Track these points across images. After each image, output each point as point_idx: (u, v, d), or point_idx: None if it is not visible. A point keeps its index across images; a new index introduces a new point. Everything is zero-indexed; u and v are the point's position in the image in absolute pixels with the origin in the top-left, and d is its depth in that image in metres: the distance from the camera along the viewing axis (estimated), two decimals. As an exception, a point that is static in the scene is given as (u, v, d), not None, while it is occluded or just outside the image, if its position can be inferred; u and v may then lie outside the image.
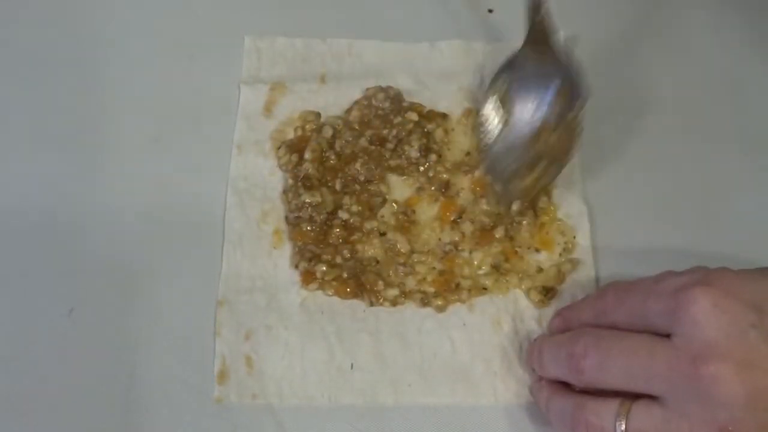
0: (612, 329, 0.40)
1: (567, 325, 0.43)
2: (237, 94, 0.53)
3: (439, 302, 0.46)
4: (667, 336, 0.37)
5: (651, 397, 0.37)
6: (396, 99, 0.52)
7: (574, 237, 0.48)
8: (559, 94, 0.47)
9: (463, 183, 0.50)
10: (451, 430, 0.43)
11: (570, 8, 0.56)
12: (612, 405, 0.38)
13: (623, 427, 0.37)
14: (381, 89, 0.52)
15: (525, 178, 0.48)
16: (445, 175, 0.50)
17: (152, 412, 0.43)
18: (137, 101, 0.52)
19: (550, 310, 0.46)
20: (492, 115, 0.48)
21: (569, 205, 0.49)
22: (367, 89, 0.52)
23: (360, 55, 0.54)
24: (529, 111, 0.47)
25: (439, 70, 0.54)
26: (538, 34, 0.49)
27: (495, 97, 0.49)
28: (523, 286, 0.47)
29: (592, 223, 0.49)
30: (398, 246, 0.48)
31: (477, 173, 0.50)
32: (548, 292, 0.46)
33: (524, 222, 0.48)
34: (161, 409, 0.43)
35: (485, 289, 0.47)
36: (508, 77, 0.49)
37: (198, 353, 0.45)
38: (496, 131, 0.48)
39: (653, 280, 0.40)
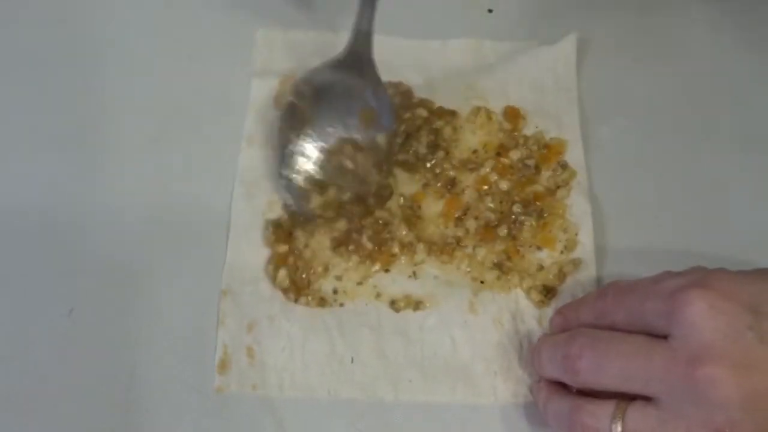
0: (611, 329, 0.40)
1: (567, 324, 0.43)
2: (240, 90, 0.52)
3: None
4: (665, 337, 0.37)
5: (647, 399, 0.37)
6: (406, 95, 0.52)
7: (576, 234, 0.48)
8: (363, 118, 0.48)
9: (469, 180, 0.50)
10: (450, 429, 0.43)
11: (570, 9, 0.56)
12: (608, 406, 0.38)
13: (619, 428, 0.37)
14: (392, 84, 0.52)
15: (323, 191, 0.48)
16: (451, 172, 0.50)
17: (152, 412, 0.43)
18: (140, 95, 0.52)
19: (550, 310, 0.46)
20: (294, 119, 0.49)
21: (573, 203, 0.49)
22: None
23: None
24: (330, 125, 0.48)
25: (450, 67, 0.54)
26: (358, 56, 0.49)
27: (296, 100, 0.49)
28: (523, 285, 0.47)
29: (594, 222, 0.49)
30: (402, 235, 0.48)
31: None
32: (549, 292, 0.46)
33: (527, 223, 0.48)
34: (161, 409, 0.43)
35: (483, 282, 0.47)
36: (315, 84, 0.49)
37: (198, 353, 0.45)
38: (298, 138, 0.48)
39: (652, 280, 0.40)
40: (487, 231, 0.48)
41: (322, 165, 0.48)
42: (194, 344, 0.45)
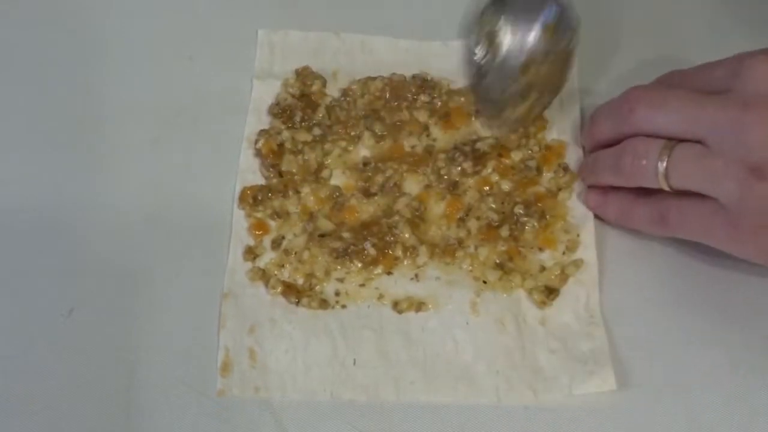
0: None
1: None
2: (241, 90, 0.53)
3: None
4: None
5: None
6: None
7: (578, 235, 0.48)
8: (547, 28, 0.47)
9: (470, 181, 0.49)
10: (452, 429, 0.43)
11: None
12: (656, 144, 0.42)
13: (665, 164, 0.41)
14: (406, 79, 0.52)
15: (517, 107, 0.48)
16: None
17: (152, 413, 0.43)
18: (140, 95, 0.53)
19: (551, 310, 0.46)
20: (481, 48, 0.48)
21: (575, 205, 0.49)
22: (394, 74, 0.53)
23: (373, 52, 0.54)
24: (518, 43, 0.47)
25: (452, 68, 0.53)
26: None
27: (484, 29, 0.48)
28: (525, 286, 0.47)
29: (596, 223, 0.48)
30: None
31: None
32: (550, 293, 0.46)
33: (528, 224, 0.48)
34: (161, 409, 0.43)
35: (485, 282, 0.47)
36: (496, 10, 0.47)
37: (199, 353, 0.45)
38: (486, 64, 0.47)
39: (711, 63, 0.44)
40: (490, 230, 0.48)
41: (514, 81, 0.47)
42: (195, 344, 0.45)
